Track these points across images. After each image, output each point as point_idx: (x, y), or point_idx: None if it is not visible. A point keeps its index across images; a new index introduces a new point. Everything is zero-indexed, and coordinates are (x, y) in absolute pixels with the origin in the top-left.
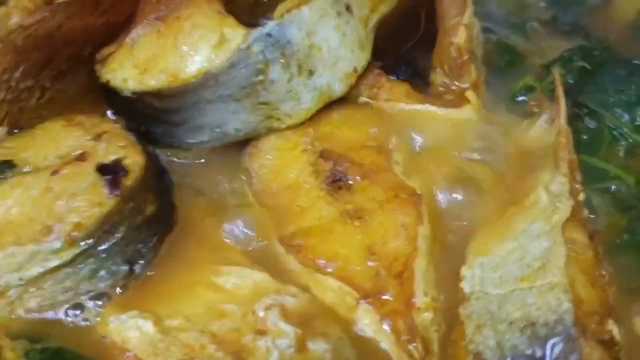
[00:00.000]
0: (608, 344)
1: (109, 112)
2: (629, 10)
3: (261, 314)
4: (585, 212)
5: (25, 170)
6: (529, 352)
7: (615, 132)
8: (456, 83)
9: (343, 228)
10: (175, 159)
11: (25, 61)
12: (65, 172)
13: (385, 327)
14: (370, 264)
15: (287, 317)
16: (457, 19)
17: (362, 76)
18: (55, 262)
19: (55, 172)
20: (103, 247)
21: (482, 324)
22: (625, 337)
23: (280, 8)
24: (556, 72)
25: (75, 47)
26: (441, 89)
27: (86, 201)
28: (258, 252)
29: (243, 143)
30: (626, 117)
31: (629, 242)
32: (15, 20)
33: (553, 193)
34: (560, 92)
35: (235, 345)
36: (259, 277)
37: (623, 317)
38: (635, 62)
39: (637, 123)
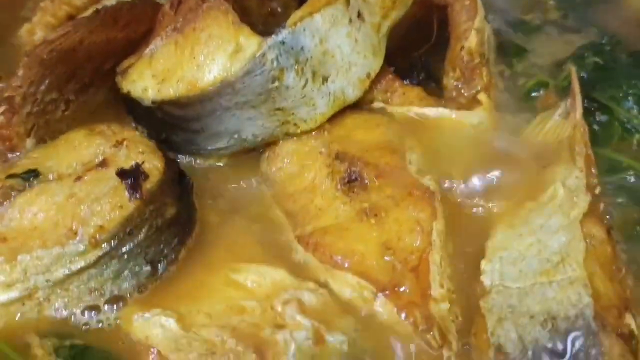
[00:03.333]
0: (627, 337)
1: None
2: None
3: (279, 308)
4: (602, 205)
5: (49, 178)
6: (550, 345)
7: (627, 125)
8: (468, 86)
9: (359, 226)
10: (194, 164)
11: (50, 74)
12: (88, 178)
13: (403, 318)
14: (386, 258)
15: (305, 311)
16: (468, 23)
17: (375, 81)
18: (80, 264)
19: (78, 179)
20: (125, 248)
21: (503, 317)
22: None
23: (293, 16)
24: (571, 67)
25: (97, 61)
26: (454, 92)
27: (108, 205)
28: (276, 252)
29: (260, 148)
30: (638, 110)
31: None
32: (39, 35)
33: (570, 188)
34: (576, 86)
35: (254, 339)
36: (277, 274)
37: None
38: None
39: None
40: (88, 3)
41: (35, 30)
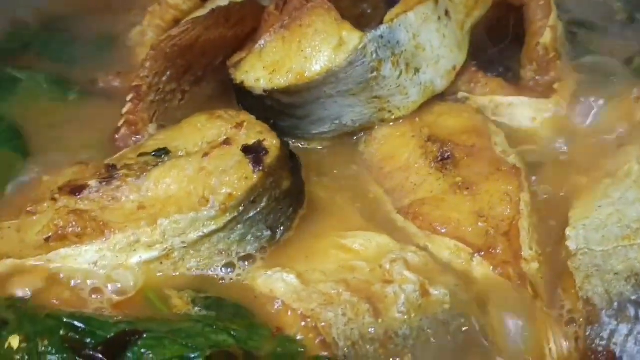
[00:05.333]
0: None
1: None
2: None
3: (387, 266)
4: None
5: (179, 154)
6: (634, 297)
7: None
8: (544, 77)
9: (454, 197)
10: (300, 147)
11: (172, 67)
12: (215, 153)
13: (499, 275)
14: (480, 225)
15: (410, 268)
16: (543, 21)
17: (460, 73)
18: (211, 228)
19: (206, 155)
20: (249, 215)
21: (590, 274)
22: None
23: (390, 13)
24: None
25: (210, 56)
26: (531, 82)
27: (235, 176)
28: (377, 222)
29: (358, 132)
30: None
31: None
32: (150, 36)
33: None
34: None
35: (367, 292)
36: (382, 239)
37: None
38: None
39: None
40: (193, 7)
41: (147, 32)
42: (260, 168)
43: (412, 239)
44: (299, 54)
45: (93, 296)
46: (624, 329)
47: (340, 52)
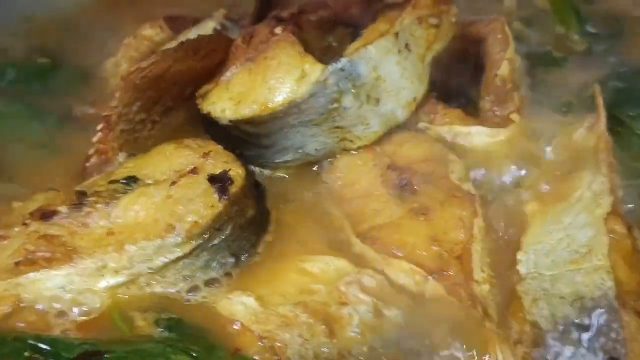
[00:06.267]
0: None
1: None
2: None
3: (343, 288)
4: (623, 206)
5: (147, 182)
6: (577, 320)
7: None
8: (502, 108)
9: (410, 222)
10: (265, 175)
11: (141, 97)
12: (182, 182)
13: (450, 296)
14: (434, 249)
15: (365, 290)
16: (500, 54)
17: (420, 104)
18: (177, 254)
19: (173, 183)
20: (214, 242)
21: (537, 298)
22: None
23: (351, 47)
24: (596, 85)
25: (179, 87)
26: (489, 113)
27: (201, 204)
28: (338, 247)
29: (321, 160)
30: None
31: None
32: (124, 67)
33: (595, 191)
34: (600, 101)
35: (323, 314)
36: (340, 263)
37: None
38: None
39: None
40: (166, 39)
41: (120, 63)
42: (226, 197)
43: (369, 263)
44: (263, 86)
45: (59, 319)
46: (567, 351)
47: (303, 84)
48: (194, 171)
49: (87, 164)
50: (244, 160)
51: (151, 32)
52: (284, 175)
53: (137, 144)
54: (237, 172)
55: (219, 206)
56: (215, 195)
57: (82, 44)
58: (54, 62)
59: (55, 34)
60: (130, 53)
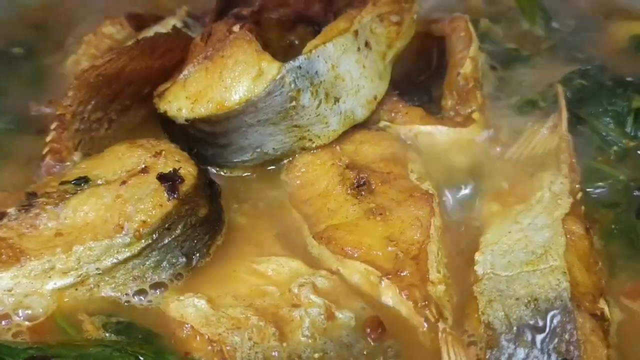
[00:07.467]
0: (599, 318)
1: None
2: (621, 37)
3: (296, 290)
4: (582, 207)
5: (98, 183)
6: (532, 322)
7: (607, 138)
8: (463, 107)
9: (367, 223)
10: (222, 175)
11: (97, 96)
12: (132, 182)
13: (404, 297)
14: (390, 249)
15: (318, 292)
16: (463, 52)
17: (381, 103)
18: (126, 254)
19: (123, 183)
20: (164, 242)
21: (492, 299)
22: (615, 315)
23: (309, 45)
24: (559, 86)
25: (136, 86)
26: (451, 112)
27: (150, 203)
28: (293, 248)
29: (280, 160)
30: (617, 125)
31: (617, 232)
32: (84, 65)
33: (555, 192)
34: (562, 102)
35: (274, 316)
36: (294, 264)
37: (613, 298)
38: (628, 79)
39: (626, 130)
40: (127, 37)
41: (81, 61)
42: (175, 196)
43: (325, 263)
44: (219, 84)
45: (3, 322)
46: (521, 353)
47: (259, 82)
48: (144, 170)
49: (41, 164)
50: (202, 160)
51: (112, 30)
52: (243, 174)
53: (94, 144)
54: (188, 170)
55: (168, 205)
56: (165, 194)
57: (42, 42)
58: (12, 61)
59: (16, 30)
60: (91, 50)
